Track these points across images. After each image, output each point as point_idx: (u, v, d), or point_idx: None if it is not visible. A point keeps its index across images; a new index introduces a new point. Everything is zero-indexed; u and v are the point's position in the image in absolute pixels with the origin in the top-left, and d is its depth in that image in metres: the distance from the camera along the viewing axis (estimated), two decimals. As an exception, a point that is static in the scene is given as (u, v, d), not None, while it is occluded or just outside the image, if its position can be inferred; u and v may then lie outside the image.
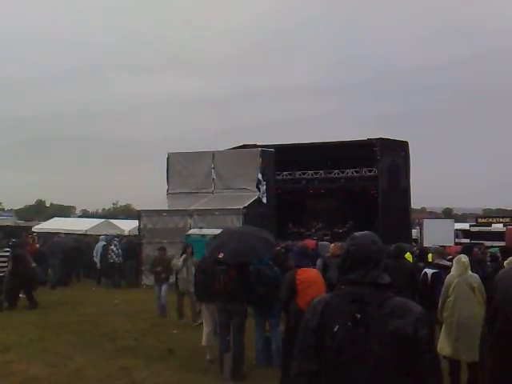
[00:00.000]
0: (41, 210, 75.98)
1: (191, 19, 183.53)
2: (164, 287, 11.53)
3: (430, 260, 9.12)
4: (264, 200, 17.56)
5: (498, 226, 33.57)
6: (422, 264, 8.75)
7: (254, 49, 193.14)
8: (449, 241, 22.88)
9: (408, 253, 12.68)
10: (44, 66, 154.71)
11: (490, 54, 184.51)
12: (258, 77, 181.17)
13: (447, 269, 7.32)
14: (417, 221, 31.10)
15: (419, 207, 68.66)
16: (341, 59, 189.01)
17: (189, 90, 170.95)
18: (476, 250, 13.89)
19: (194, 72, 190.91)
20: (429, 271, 7.30)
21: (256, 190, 18.05)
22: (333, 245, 9.44)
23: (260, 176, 17.90)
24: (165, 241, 16.83)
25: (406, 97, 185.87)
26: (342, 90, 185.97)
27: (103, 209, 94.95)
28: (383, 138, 23.40)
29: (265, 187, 17.98)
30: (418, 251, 15.77)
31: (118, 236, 21.54)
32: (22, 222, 41.18)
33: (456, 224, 30.66)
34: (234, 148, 22.62)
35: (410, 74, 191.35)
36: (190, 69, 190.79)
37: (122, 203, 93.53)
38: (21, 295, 14.01)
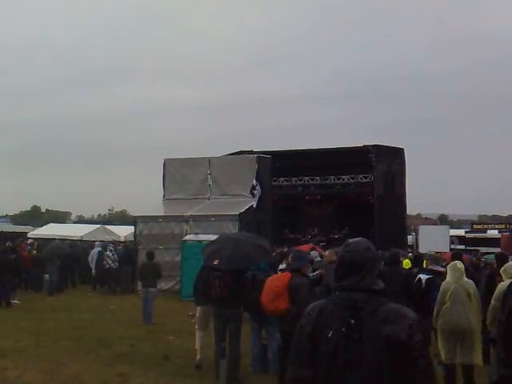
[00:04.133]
0: (36, 216, 75.66)
1: (191, 27, 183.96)
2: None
3: (425, 266, 9.16)
4: (254, 205, 17.53)
5: (493, 233, 33.68)
6: (415, 270, 8.79)
7: (253, 58, 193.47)
8: (444, 247, 22.95)
9: (407, 260, 12.74)
10: (43, 72, 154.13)
11: (488, 63, 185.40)
12: (257, 85, 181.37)
13: (441, 274, 7.36)
14: (412, 227, 31.22)
15: (415, 213, 68.77)
16: (339, 68, 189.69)
17: (186, 96, 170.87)
18: (469, 256, 13.92)
19: (192, 79, 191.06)
20: (423, 277, 7.33)
21: (250, 195, 18.05)
22: (328, 251, 9.47)
23: (254, 181, 17.88)
24: (161, 247, 16.85)
25: (403, 105, 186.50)
26: (339, 98, 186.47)
27: (99, 215, 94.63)
28: (379, 145, 23.49)
29: (258, 193, 17.93)
30: (413, 257, 15.79)
31: (113, 242, 21.50)
32: (16, 227, 40.88)
33: (451, 230, 30.77)
34: (231, 154, 22.67)
35: (406, 83, 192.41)
36: (189, 76, 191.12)
37: (117, 209, 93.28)
38: (16, 301, 14.00)
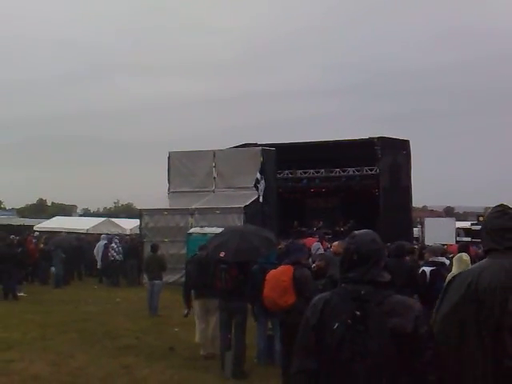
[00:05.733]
0: (42, 209, 75.86)
1: (193, 22, 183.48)
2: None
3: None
4: (260, 199, 17.51)
5: (499, 225, 33.45)
6: (421, 262, 8.76)
7: (254, 52, 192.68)
8: (450, 239, 22.90)
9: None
10: (45, 67, 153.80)
11: (491, 56, 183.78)
12: (259, 78, 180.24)
13: (443, 265, 7.33)
14: (418, 219, 31.12)
15: (420, 206, 68.51)
16: (341, 61, 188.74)
17: (190, 90, 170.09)
18: (475, 248, 13.89)
19: (195, 73, 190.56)
20: (427, 269, 7.28)
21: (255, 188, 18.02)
22: (336, 242, 9.46)
23: (258, 175, 17.84)
24: (166, 239, 16.88)
25: (408, 97, 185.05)
26: (342, 90, 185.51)
27: (104, 208, 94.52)
28: (384, 137, 23.36)
29: (263, 186, 17.89)
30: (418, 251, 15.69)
31: (118, 234, 21.57)
32: (22, 220, 40.99)
33: (457, 222, 30.66)
34: (235, 147, 22.62)
35: (411, 75, 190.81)
36: (192, 70, 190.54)
37: (123, 202, 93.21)
38: (22, 294, 14.08)
